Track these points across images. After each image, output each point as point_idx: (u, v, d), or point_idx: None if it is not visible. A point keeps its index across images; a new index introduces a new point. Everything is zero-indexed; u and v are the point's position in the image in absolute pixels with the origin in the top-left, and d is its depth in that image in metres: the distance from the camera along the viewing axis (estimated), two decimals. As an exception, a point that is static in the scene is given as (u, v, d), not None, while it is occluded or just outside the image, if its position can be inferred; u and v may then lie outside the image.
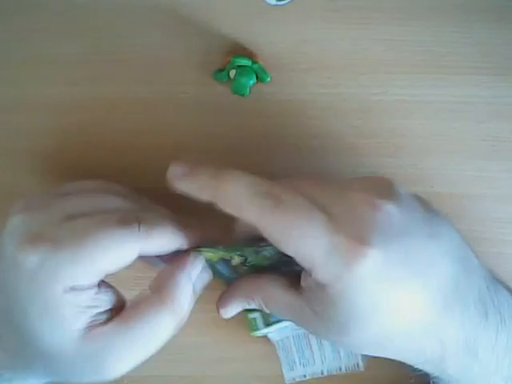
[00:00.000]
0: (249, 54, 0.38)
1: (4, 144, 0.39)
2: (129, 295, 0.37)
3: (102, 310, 0.29)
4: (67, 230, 0.28)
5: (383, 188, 0.29)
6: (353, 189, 0.28)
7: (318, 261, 0.27)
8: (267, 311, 0.32)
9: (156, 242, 0.29)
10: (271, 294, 0.31)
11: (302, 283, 0.29)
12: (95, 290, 0.29)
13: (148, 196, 0.36)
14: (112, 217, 0.29)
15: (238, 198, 0.28)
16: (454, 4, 0.39)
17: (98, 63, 0.39)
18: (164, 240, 0.30)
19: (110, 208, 0.30)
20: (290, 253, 0.27)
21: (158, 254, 0.30)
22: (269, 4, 0.38)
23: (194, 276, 0.31)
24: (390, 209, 0.27)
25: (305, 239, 0.27)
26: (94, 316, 0.29)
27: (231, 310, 0.33)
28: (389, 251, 0.26)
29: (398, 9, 0.39)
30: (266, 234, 0.27)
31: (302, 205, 0.27)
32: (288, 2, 0.38)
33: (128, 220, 0.29)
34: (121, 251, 0.28)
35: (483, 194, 0.38)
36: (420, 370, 0.31)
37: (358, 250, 0.26)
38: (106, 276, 0.29)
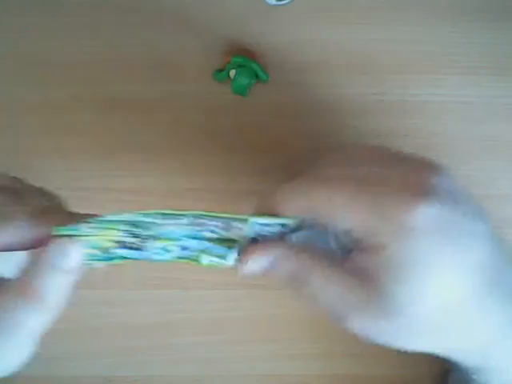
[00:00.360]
0: (249, 54, 0.38)
1: (4, 144, 0.39)
2: (129, 295, 0.37)
3: None
4: None
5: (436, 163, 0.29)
6: (409, 157, 0.28)
7: (371, 223, 0.26)
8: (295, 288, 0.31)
9: (7, 233, 0.28)
10: (316, 271, 0.29)
11: (349, 261, 0.28)
12: None
13: (148, 196, 0.36)
14: None
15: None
16: (453, 4, 0.39)
17: (98, 63, 0.39)
18: (15, 231, 0.28)
19: None
20: (345, 225, 0.27)
21: (10, 248, 0.29)
22: (269, 4, 0.38)
23: (63, 263, 0.28)
24: (445, 176, 0.27)
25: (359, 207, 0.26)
26: None
27: (256, 269, 0.31)
28: (444, 209, 0.26)
29: (398, 9, 0.39)
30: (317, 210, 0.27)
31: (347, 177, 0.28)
32: (288, 2, 0.38)
33: None
34: None
35: (483, 194, 0.38)
36: (457, 368, 0.31)
37: (411, 203, 0.26)
38: None
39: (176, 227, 0.29)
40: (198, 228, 0.29)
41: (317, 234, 0.29)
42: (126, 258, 0.30)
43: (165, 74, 0.38)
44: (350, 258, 0.28)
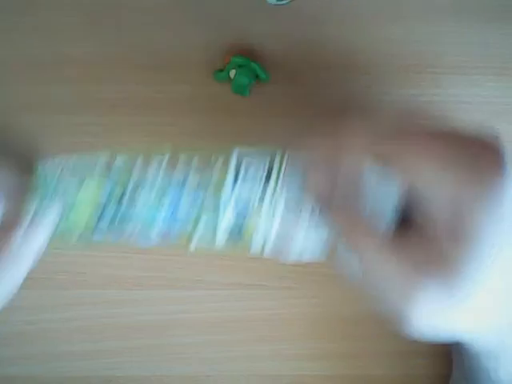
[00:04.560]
0: (249, 54, 0.38)
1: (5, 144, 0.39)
2: (128, 295, 0.37)
3: None
4: None
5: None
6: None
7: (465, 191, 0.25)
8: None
9: None
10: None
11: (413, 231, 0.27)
12: None
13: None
14: None
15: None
16: (453, 4, 0.39)
17: (98, 63, 0.39)
18: None
19: None
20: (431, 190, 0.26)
21: None
22: (269, 4, 0.38)
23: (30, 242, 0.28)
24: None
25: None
26: None
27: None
28: None
29: (398, 9, 0.39)
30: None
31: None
32: (288, 2, 0.38)
33: None
34: None
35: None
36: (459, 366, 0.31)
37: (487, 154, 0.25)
38: None
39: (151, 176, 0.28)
40: (175, 174, 0.28)
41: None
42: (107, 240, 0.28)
43: (164, 74, 0.38)
44: (416, 227, 0.26)
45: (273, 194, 0.28)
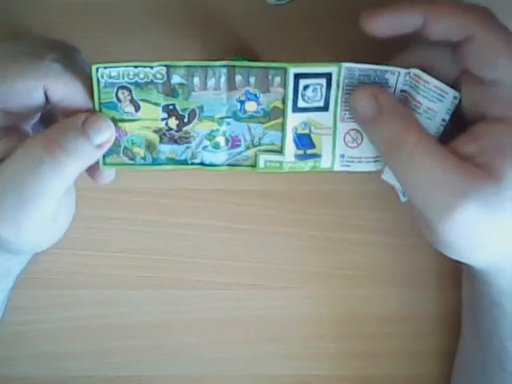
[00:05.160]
0: (249, 54, 0.37)
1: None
2: (128, 295, 0.37)
3: None
4: None
5: None
6: None
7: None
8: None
9: (61, 84, 0.27)
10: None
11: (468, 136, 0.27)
12: None
13: (145, 196, 0.36)
14: (21, 50, 0.27)
15: None
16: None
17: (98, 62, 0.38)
18: (70, 86, 0.27)
19: (23, 46, 0.28)
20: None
21: (62, 104, 0.28)
22: (269, 4, 0.38)
23: (92, 132, 0.27)
24: None
25: None
26: None
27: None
28: None
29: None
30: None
31: None
32: (288, 2, 0.38)
33: (38, 54, 0.27)
34: (22, 81, 0.26)
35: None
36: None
37: None
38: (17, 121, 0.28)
39: (211, 94, 0.28)
40: (232, 93, 0.28)
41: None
42: (173, 160, 0.29)
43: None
44: (470, 132, 0.27)
45: (335, 106, 0.28)
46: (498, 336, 0.31)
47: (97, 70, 0.27)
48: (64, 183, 0.27)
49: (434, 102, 0.28)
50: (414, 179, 0.26)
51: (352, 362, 0.39)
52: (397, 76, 0.28)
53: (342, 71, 0.28)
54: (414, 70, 0.28)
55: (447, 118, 0.28)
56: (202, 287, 0.38)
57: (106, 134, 0.28)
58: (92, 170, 0.29)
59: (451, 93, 0.28)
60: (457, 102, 0.28)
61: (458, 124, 0.28)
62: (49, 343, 0.38)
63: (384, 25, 0.28)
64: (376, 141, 0.28)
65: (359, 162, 0.29)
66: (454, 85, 0.28)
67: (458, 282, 0.37)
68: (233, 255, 0.38)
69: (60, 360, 0.38)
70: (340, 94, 0.28)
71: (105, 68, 0.27)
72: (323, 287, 0.38)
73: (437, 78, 0.28)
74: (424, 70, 0.28)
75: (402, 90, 0.28)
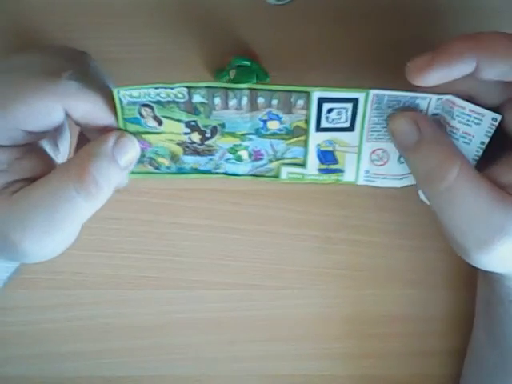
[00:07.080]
0: (249, 54, 0.37)
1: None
2: (128, 295, 0.37)
3: (18, 177, 0.27)
4: None
5: None
6: None
7: None
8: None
9: (82, 102, 0.27)
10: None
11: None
12: (17, 153, 0.27)
13: (145, 196, 0.36)
14: (35, 69, 0.27)
15: None
16: (453, 4, 0.39)
17: (98, 63, 0.38)
18: (90, 103, 0.27)
19: (35, 61, 0.28)
20: None
21: (84, 121, 0.27)
22: (269, 4, 0.38)
23: (120, 156, 0.27)
24: None
25: None
26: (6, 183, 0.26)
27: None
28: None
29: (397, 9, 0.38)
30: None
31: None
32: (288, 2, 0.38)
33: (54, 71, 0.26)
34: (42, 103, 0.26)
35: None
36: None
37: None
38: (35, 139, 0.28)
39: (233, 113, 0.28)
40: (256, 113, 0.28)
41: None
42: (197, 170, 0.29)
43: (164, 74, 0.38)
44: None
45: (361, 127, 0.28)
46: None
47: (118, 91, 0.27)
48: (93, 211, 0.27)
49: (471, 125, 0.27)
50: (451, 212, 0.25)
51: (354, 362, 0.39)
52: (428, 102, 0.27)
53: (370, 97, 0.27)
54: (446, 96, 0.27)
55: (486, 140, 0.27)
56: (202, 287, 0.38)
57: (132, 155, 0.28)
58: None
59: (489, 115, 0.27)
60: (496, 123, 0.27)
61: (500, 145, 0.27)
62: (49, 343, 0.38)
63: (436, 78, 0.26)
64: (414, 169, 0.27)
65: (384, 178, 0.29)
66: (496, 109, 0.27)
67: (466, 282, 0.37)
68: (233, 255, 0.38)
69: (60, 360, 0.38)
70: (367, 118, 0.28)
71: (126, 90, 0.27)
72: (323, 287, 0.38)
73: (471, 102, 0.27)
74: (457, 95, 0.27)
75: (433, 114, 0.28)
